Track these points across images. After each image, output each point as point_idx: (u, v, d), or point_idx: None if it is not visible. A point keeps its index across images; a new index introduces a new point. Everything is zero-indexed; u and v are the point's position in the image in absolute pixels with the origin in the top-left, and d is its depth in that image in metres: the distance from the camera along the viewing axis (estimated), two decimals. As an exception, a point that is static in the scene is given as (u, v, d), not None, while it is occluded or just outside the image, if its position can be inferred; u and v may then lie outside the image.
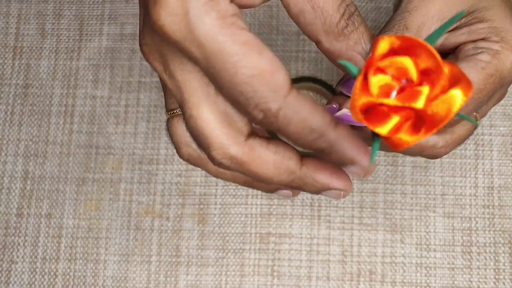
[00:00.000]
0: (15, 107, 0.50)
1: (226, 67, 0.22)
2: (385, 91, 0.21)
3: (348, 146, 0.25)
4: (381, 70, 0.21)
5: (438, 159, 0.48)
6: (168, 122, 0.28)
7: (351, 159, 0.25)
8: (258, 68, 0.22)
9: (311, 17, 0.25)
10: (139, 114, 0.49)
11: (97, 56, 0.51)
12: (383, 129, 0.21)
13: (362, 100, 0.21)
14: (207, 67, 0.23)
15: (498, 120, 0.48)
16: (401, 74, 0.21)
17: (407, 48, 0.20)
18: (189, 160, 0.28)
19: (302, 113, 0.23)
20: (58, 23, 0.51)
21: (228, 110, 0.25)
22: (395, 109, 0.21)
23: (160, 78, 0.27)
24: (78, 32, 0.51)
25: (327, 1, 0.24)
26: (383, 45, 0.21)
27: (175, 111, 0.28)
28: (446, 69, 0.20)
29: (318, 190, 0.27)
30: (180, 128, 0.27)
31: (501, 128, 0.48)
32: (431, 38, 0.23)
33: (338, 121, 0.25)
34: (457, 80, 0.20)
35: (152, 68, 0.27)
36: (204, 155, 0.26)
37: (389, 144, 0.21)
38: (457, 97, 0.20)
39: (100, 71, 0.50)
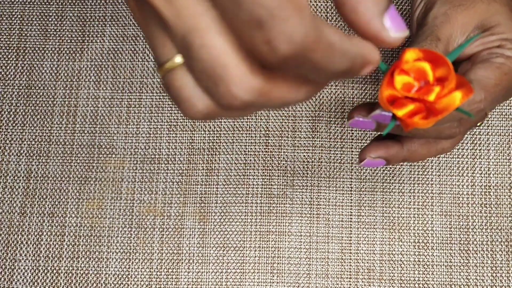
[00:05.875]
0: (18, 107, 0.50)
1: None
2: (407, 87, 0.27)
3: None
4: (405, 72, 0.27)
5: (436, 159, 0.48)
6: (168, 78, 0.22)
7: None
8: None
9: None
10: (141, 114, 0.49)
11: (99, 57, 0.51)
12: (400, 112, 0.27)
13: (387, 92, 0.27)
14: None
15: (495, 120, 0.49)
16: (420, 76, 0.27)
17: (428, 59, 0.27)
18: (208, 114, 0.22)
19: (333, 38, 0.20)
20: (60, 24, 0.51)
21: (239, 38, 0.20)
22: (412, 101, 0.27)
23: (142, 20, 0.22)
24: (80, 34, 0.51)
25: None
26: (410, 55, 0.27)
27: (172, 61, 0.22)
28: (454, 76, 0.26)
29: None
30: (187, 79, 0.22)
31: (498, 128, 0.48)
32: (453, 53, 0.30)
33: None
34: (462, 85, 0.26)
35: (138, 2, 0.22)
36: (213, 95, 0.21)
37: (403, 124, 0.27)
38: (458, 96, 0.26)
39: (103, 72, 0.50)
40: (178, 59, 0.22)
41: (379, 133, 0.45)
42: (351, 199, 0.47)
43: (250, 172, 0.48)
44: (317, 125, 0.49)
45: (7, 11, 0.52)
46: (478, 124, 0.38)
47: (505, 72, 0.34)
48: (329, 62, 0.20)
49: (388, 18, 0.23)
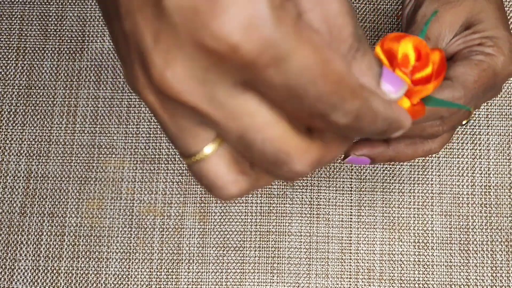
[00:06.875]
0: (18, 107, 0.50)
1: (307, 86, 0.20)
2: (404, 60, 0.25)
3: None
4: (416, 51, 0.26)
5: (436, 158, 0.48)
6: (199, 167, 0.23)
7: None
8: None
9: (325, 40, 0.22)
10: (141, 114, 0.50)
11: (99, 57, 0.51)
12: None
13: (387, 44, 0.25)
14: (286, 89, 0.20)
15: (495, 120, 0.49)
16: (423, 65, 0.26)
17: (419, 55, 0.26)
18: (241, 195, 0.23)
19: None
20: (60, 25, 0.52)
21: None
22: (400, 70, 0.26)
23: (168, 120, 0.22)
24: (80, 34, 0.51)
25: (345, 23, 0.22)
26: (409, 43, 0.26)
27: (203, 153, 0.22)
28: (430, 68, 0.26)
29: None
30: (220, 166, 0.22)
31: (498, 128, 0.49)
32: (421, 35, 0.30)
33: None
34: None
35: (168, 98, 0.21)
36: (275, 175, 0.23)
37: None
38: (430, 88, 0.26)
39: (103, 72, 0.50)
40: (209, 148, 0.22)
41: None
42: (351, 199, 0.47)
43: (250, 172, 0.48)
44: (317, 125, 0.49)
45: (7, 11, 0.52)
46: (464, 123, 0.38)
47: (483, 69, 0.34)
48: (372, 126, 0.22)
49: (385, 82, 0.23)
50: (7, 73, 0.51)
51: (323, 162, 0.23)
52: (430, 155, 0.48)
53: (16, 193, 0.48)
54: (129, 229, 0.47)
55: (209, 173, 0.23)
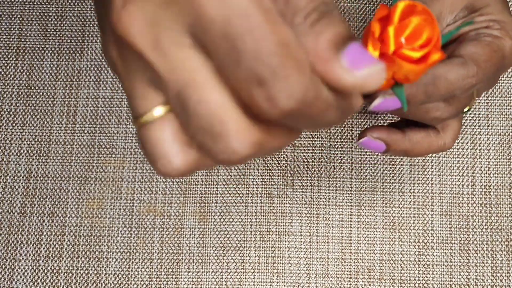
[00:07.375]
0: (18, 107, 0.50)
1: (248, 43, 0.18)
2: (414, 35, 0.25)
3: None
4: (427, 23, 0.26)
5: (436, 158, 0.48)
6: (144, 131, 0.21)
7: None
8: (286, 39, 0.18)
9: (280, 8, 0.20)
10: (140, 114, 0.50)
11: (99, 57, 0.51)
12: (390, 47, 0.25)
13: (410, 11, 0.25)
14: (224, 43, 0.18)
15: (495, 120, 0.49)
16: (419, 49, 0.26)
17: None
18: (185, 172, 0.21)
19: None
20: (60, 24, 0.52)
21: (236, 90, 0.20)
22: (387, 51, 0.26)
23: (122, 70, 0.21)
24: (80, 33, 0.51)
25: None
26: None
27: (150, 114, 0.21)
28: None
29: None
30: (165, 133, 0.21)
31: (498, 128, 0.49)
32: (444, 37, 0.31)
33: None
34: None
35: (123, 44, 0.20)
36: (210, 151, 0.20)
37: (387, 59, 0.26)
38: (436, 58, 0.26)
39: (102, 72, 0.50)
40: (158, 111, 0.21)
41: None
42: (351, 199, 0.47)
43: (250, 172, 0.48)
44: (317, 125, 0.49)
45: (7, 11, 0.52)
46: (465, 110, 0.38)
47: (494, 50, 0.34)
48: (324, 115, 0.20)
49: (347, 55, 0.19)
50: (7, 73, 0.51)
51: (265, 149, 0.20)
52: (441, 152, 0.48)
53: (16, 193, 0.48)
54: (129, 229, 0.47)
55: (153, 138, 0.21)
